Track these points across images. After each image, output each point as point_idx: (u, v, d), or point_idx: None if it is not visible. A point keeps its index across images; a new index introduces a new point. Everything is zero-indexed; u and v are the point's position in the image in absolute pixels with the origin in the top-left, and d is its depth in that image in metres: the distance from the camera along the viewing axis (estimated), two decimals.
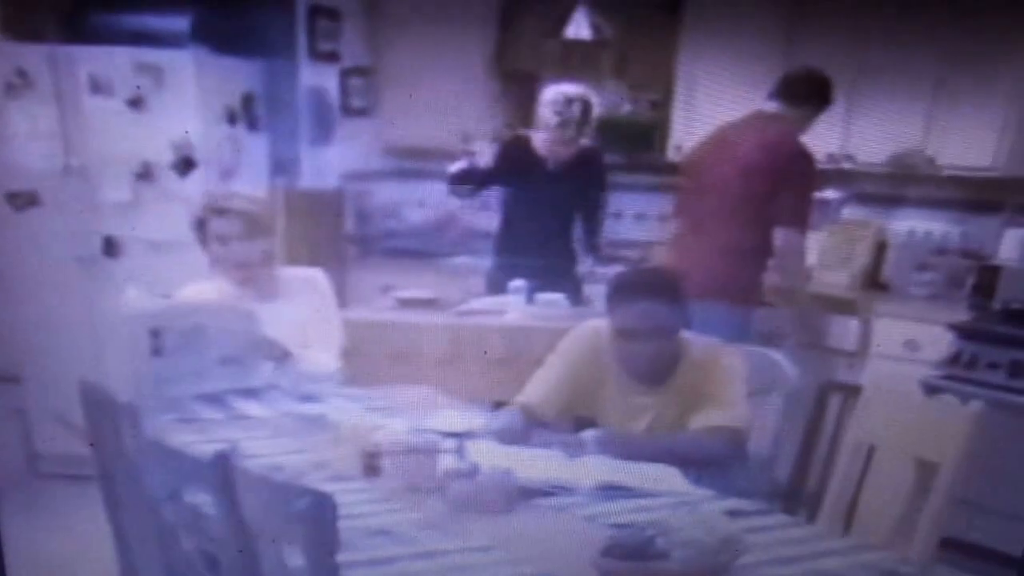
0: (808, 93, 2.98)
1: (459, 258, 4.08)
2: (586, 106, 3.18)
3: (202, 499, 1.37)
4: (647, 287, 2.04)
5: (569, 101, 3.16)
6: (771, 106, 2.98)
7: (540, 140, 3.24)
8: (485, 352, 3.02)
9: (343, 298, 2.97)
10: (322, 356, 2.47)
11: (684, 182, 3.24)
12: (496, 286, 3.34)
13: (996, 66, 3.34)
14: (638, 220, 4.38)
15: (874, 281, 3.81)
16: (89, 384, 1.72)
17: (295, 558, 1.17)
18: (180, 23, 3.49)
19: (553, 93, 3.20)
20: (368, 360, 2.83)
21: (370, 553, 1.39)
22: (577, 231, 3.42)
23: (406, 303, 3.27)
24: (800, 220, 2.92)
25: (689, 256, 2.97)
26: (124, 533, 1.77)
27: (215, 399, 2.21)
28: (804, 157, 2.90)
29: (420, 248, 4.23)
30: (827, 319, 3.50)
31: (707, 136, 3.16)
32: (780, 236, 2.89)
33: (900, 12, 3.47)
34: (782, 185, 2.85)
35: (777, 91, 2.99)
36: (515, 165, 3.27)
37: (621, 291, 2.06)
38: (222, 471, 1.21)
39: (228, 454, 1.22)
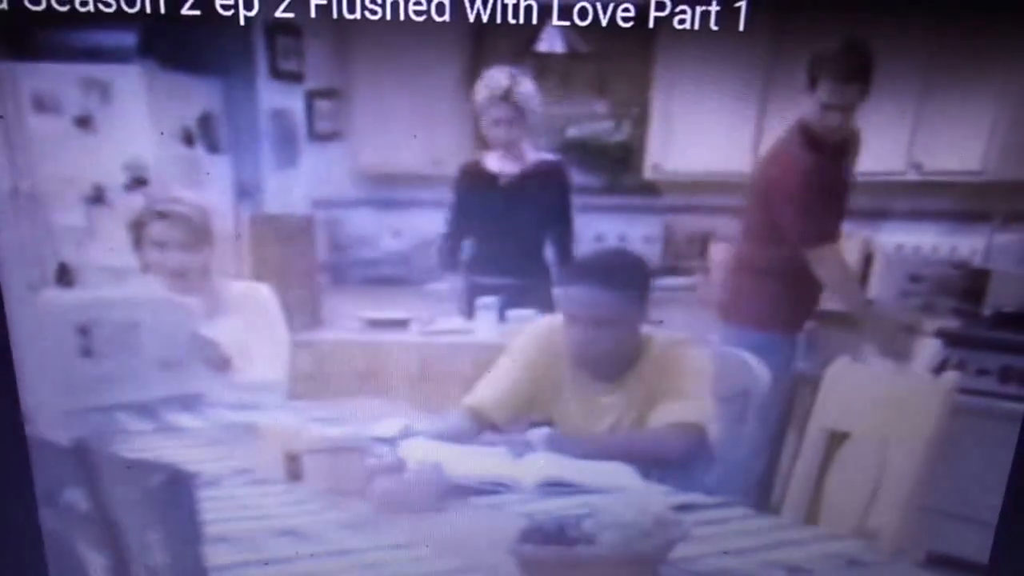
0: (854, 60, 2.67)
1: (436, 284, 3.96)
2: (512, 79, 3.05)
3: (83, 505, 1.23)
4: (599, 270, 1.91)
5: (492, 77, 3.05)
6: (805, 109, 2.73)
7: (489, 154, 3.14)
8: (482, 364, 2.89)
9: (317, 325, 2.86)
10: (266, 370, 2.34)
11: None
12: (468, 307, 3.22)
13: (984, 68, 3.26)
14: (621, 242, 4.28)
15: None
16: None
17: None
18: (127, 37, 3.39)
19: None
20: (332, 380, 2.72)
21: (271, 553, 1.24)
22: (549, 251, 3.31)
23: (375, 324, 3.15)
24: (821, 234, 2.72)
25: (737, 283, 2.82)
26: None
27: (144, 409, 2.05)
28: (804, 161, 2.69)
29: (396, 276, 4.12)
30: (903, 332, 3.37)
31: None
32: (810, 257, 2.71)
33: (885, 18, 3.39)
34: (792, 200, 2.66)
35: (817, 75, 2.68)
36: (469, 188, 3.16)
37: (571, 274, 1.94)
38: (83, 458, 1.07)
39: (87, 440, 1.07)
